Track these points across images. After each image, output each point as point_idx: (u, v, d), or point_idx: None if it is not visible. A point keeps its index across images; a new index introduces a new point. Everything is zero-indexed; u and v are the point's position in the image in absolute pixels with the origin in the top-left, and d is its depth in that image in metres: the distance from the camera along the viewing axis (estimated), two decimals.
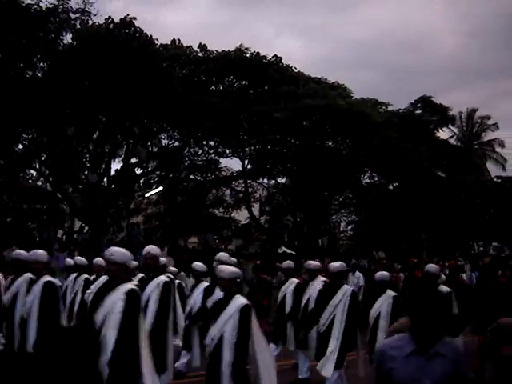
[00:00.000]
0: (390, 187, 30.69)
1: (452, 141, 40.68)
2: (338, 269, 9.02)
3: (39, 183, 28.92)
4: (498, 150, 46.25)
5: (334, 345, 8.35)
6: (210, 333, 6.47)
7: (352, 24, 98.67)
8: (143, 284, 7.29)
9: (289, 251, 26.28)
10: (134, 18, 20.77)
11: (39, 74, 21.56)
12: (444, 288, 8.79)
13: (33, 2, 19.53)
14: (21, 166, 24.53)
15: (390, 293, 8.56)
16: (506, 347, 5.15)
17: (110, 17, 20.90)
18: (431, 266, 9.68)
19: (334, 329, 8.46)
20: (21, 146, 24.35)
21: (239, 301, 6.52)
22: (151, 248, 7.93)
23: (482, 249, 38.11)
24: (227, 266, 6.99)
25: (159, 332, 7.02)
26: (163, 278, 7.49)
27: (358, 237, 32.27)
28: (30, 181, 28.56)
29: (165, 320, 7.21)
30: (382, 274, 9.06)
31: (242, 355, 6.30)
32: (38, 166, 25.56)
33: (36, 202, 25.45)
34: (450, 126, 37.10)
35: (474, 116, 47.06)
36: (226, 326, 6.33)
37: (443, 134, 35.15)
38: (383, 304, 8.37)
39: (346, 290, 8.78)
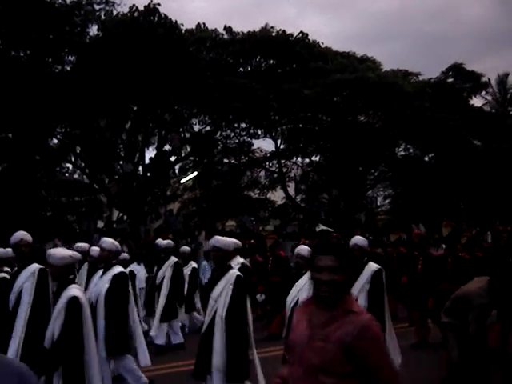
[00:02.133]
0: (426, 159, 30.32)
1: (486, 108, 39.96)
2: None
3: (76, 176, 29.29)
4: None
5: None
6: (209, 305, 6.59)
7: None
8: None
9: (328, 229, 26.19)
10: (158, 4, 20.78)
11: (68, 68, 21.78)
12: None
13: None
14: (56, 160, 24.86)
15: (372, 267, 7.54)
16: None
17: (134, 5, 20.97)
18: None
19: None
20: (55, 141, 24.74)
21: (234, 272, 6.62)
22: (23, 234, 7.25)
23: None
24: (223, 238, 6.92)
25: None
26: (37, 266, 6.95)
27: (396, 211, 31.97)
28: (67, 174, 28.93)
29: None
30: (357, 238, 7.92)
31: (235, 311, 6.40)
32: (73, 159, 25.92)
33: (74, 195, 25.78)
34: (483, 92, 36.48)
35: (506, 81, 46.16)
36: (219, 297, 6.45)
37: (477, 101, 34.60)
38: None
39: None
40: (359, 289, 7.18)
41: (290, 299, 6.54)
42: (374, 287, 7.24)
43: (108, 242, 7.97)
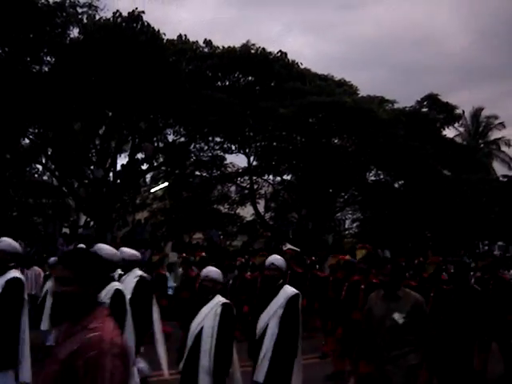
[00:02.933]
0: (396, 185, 30.63)
1: (458, 139, 40.56)
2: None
3: (45, 177, 29.01)
4: (504, 149, 46.21)
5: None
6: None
7: (360, 22, 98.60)
8: None
9: (294, 248, 26.24)
10: (143, 12, 20.78)
11: (46, 69, 21.63)
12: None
13: None
14: (27, 160, 24.61)
15: (287, 291, 6.74)
16: None
17: (117, 10, 20.94)
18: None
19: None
20: (27, 141, 24.47)
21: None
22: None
23: (487, 248, 38.06)
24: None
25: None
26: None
27: (363, 234, 32.19)
28: (36, 175, 28.65)
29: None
30: (274, 257, 7.07)
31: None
32: (44, 161, 25.68)
33: (42, 197, 25.53)
34: (456, 124, 37.04)
35: (480, 115, 47.03)
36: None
37: (449, 132, 35.08)
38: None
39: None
40: (272, 313, 6.62)
41: (195, 327, 6.08)
42: (288, 313, 6.58)
43: (5, 241, 6.76)
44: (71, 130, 23.47)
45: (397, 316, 5.75)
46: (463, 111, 35.92)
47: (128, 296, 6.91)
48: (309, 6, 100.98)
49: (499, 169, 44.37)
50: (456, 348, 7.38)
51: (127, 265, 7.72)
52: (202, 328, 6.04)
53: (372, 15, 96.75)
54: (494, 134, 46.86)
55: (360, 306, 9.09)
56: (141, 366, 7.73)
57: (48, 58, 21.53)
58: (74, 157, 23.57)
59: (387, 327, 5.81)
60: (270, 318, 6.63)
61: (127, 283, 7.41)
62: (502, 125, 46.13)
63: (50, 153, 24.83)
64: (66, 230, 25.40)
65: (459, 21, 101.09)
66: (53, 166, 25.51)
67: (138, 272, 7.81)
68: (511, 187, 33.00)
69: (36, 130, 23.70)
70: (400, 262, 6.20)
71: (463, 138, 44.29)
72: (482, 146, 45.19)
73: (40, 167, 27.24)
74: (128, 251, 7.98)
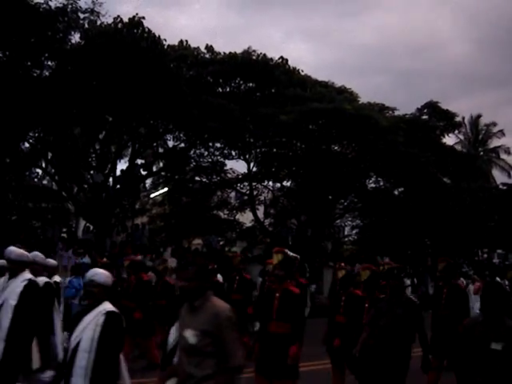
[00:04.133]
0: (396, 192, 30.65)
1: (458, 147, 40.62)
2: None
3: (45, 182, 28.97)
4: (503, 156, 46.39)
5: None
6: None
7: (360, 29, 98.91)
8: None
9: (293, 255, 26.19)
10: (143, 18, 20.78)
11: (47, 73, 21.58)
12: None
13: (42, 1, 19.57)
14: (27, 164, 24.56)
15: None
16: None
17: (118, 16, 20.94)
18: None
19: None
20: (27, 145, 24.42)
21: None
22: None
23: (486, 256, 38.03)
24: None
25: None
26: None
27: (363, 241, 32.18)
28: (36, 179, 28.60)
29: None
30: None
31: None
32: (44, 165, 25.65)
33: (41, 201, 25.45)
34: (456, 132, 37.08)
35: (479, 122, 47.12)
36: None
37: (449, 139, 35.12)
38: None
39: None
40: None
41: (72, 340, 5.31)
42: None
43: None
44: (71, 134, 23.45)
45: (188, 333, 4.57)
46: (463, 119, 36.03)
47: (13, 302, 6.52)
48: (310, 13, 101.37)
49: (499, 176, 44.50)
50: (384, 366, 7.14)
51: (14, 267, 6.94)
52: (79, 341, 5.21)
53: (373, 23, 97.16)
54: (494, 142, 47.04)
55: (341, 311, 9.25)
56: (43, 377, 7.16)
57: (49, 63, 21.48)
58: (74, 161, 23.56)
59: (181, 346, 4.77)
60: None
61: (13, 288, 6.78)
62: (502, 132, 46.32)
63: (49, 157, 24.81)
64: (64, 235, 25.38)
65: (459, 29, 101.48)
66: (52, 171, 25.48)
67: (26, 275, 6.96)
68: (511, 195, 33.03)
69: (36, 134, 23.66)
70: (205, 265, 4.92)
71: (463, 146, 44.39)
72: (481, 153, 45.30)
73: (40, 171, 27.20)
74: (15, 251, 7.10)
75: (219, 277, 15.26)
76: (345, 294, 9.41)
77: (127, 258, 14.95)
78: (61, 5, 19.95)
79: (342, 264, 12.31)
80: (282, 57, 26.31)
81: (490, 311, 5.57)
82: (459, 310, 9.58)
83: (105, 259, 16.20)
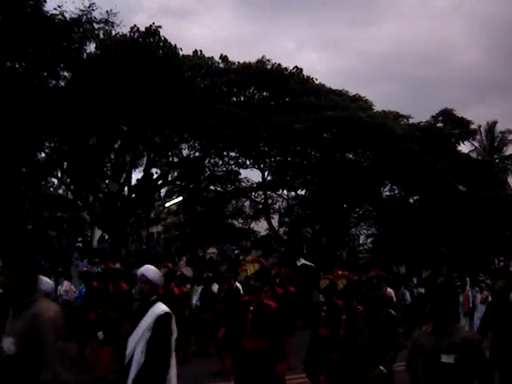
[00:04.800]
0: (411, 200, 30.50)
1: (473, 154, 40.42)
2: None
3: (60, 191, 29.14)
4: None
5: None
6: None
7: (373, 38, 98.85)
8: None
9: (308, 263, 26.16)
10: (160, 27, 20.90)
11: (62, 84, 21.73)
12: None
13: (57, 12, 19.72)
14: (43, 174, 24.73)
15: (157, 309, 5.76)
16: None
17: (135, 25, 21.08)
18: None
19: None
20: (43, 155, 24.59)
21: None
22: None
23: (502, 264, 37.72)
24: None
25: None
26: None
27: (378, 250, 32.04)
28: (52, 189, 28.78)
29: None
30: (146, 268, 6.12)
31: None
32: (59, 175, 25.80)
33: (57, 210, 25.59)
34: (471, 139, 36.90)
35: (494, 130, 46.86)
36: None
37: (464, 147, 34.97)
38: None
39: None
40: (139, 336, 5.65)
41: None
42: (155, 337, 5.63)
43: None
44: (87, 144, 23.58)
45: (6, 342, 3.82)
46: (478, 126, 35.85)
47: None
48: (323, 22, 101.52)
49: None
50: None
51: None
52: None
53: (386, 31, 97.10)
54: (510, 149, 46.66)
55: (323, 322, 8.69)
56: None
57: (65, 73, 21.62)
58: (89, 171, 23.67)
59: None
60: (138, 342, 5.63)
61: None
62: None
63: (65, 167, 24.95)
64: (79, 244, 25.50)
65: (472, 36, 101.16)
66: (68, 180, 25.63)
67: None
68: None
69: (52, 144, 23.81)
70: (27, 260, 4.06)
71: (478, 153, 44.13)
72: (497, 161, 44.99)
73: (55, 181, 27.40)
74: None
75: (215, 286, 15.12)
76: (327, 305, 8.89)
77: (105, 265, 14.56)
78: (76, 16, 20.14)
79: (340, 272, 10.32)
80: (296, 66, 26.41)
81: (438, 319, 5.09)
82: None
83: (118, 264, 15.52)
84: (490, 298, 21.10)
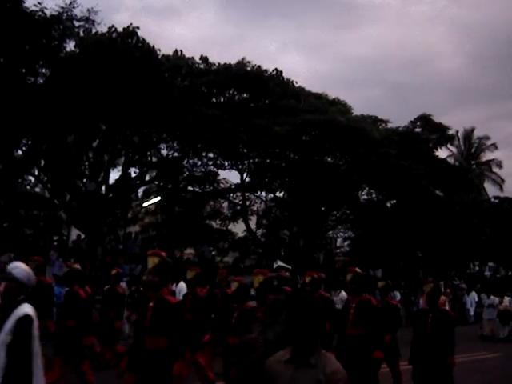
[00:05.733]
0: (388, 204, 30.72)
1: (450, 160, 40.81)
2: None
3: (37, 189, 28.90)
4: (495, 170, 46.62)
5: None
6: None
7: (355, 42, 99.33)
8: None
9: (285, 265, 26.24)
10: (138, 28, 20.82)
11: (41, 81, 21.58)
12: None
13: (37, 9, 19.58)
14: (19, 171, 24.51)
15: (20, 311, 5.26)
16: None
17: (113, 25, 20.96)
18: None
19: None
20: (20, 152, 24.38)
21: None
22: None
23: (477, 268, 38.12)
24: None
25: None
26: None
27: (355, 253, 32.21)
28: (28, 187, 28.54)
29: None
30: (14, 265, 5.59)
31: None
32: (36, 173, 25.57)
33: (33, 208, 25.40)
34: (448, 145, 37.25)
35: (472, 136, 47.36)
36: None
37: (442, 152, 35.29)
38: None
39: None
40: (2, 339, 5.18)
41: None
42: (16, 341, 5.19)
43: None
44: (64, 142, 23.41)
45: None
46: (456, 132, 36.21)
47: None
48: (305, 25, 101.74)
49: (491, 190, 44.70)
50: None
51: None
52: None
53: (367, 36, 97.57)
54: (486, 155, 47.24)
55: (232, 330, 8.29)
56: None
57: (43, 71, 21.49)
58: (67, 169, 23.49)
59: None
60: (1, 345, 5.17)
61: None
62: (494, 146, 46.58)
63: (42, 165, 24.75)
64: (55, 243, 25.30)
65: (453, 42, 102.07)
66: (45, 178, 25.41)
67: None
68: (502, 208, 33.18)
69: (29, 142, 23.61)
70: None
71: (455, 159, 44.57)
72: (473, 166, 45.48)
73: (32, 179, 27.14)
74: None
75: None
76: (237, 310, 8.41)
77: (65, 264, 13.94)
78: (56, 13, 19.99)
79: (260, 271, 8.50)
80: (276, 69, 26.41)
81: (298, 344, 3.73)
82: (371, 329, 8.48)
83: (77, 265, 14.69)
84: (447, 304, 21.27)
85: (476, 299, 27.73)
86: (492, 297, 23.29)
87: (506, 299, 22.21)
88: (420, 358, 8.27)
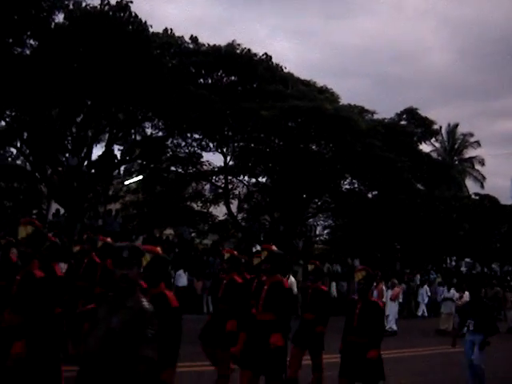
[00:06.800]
0: (369, 195, 30.83)
1: (434, 155, 41.02)
2: None
3: (19, 162, 28.62)
4: (477, 167, 47.02)
5: None
6: None
7: (345, 32, 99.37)
8: None
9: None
10: (131, 2, 20.56)
11: (28, 52, 21.32)
12: None
13: None
14: (1, 143, 24.26)
15: None
16: None
17: None
18: None
19: None
20: (3, 123, 24.11)
21: None
22: None
23: (454, 264, 38.51)
24: None
25: None
26: None
27: (334, 242, 32.37)
28: (10, 159, 28.26)
29: None
30: None
31: None
32: (18, 145, 25.30)
33: (14, 181, 25.16)
34: (432, 139, 37.43)
35: (456, 132, 47.67)
36: None
37: (426, 147, 35.45)
38: None
39: None
40: None
41: None
42: None
43: None
44: (49, 115, 23.17)
45: None
46: (440, 127, 36.38)
47: None
48: (296, 12, 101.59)
49: (472, 186, 45.10)
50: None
51: None
52: None
53: (358, 26, 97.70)
54: (469, 152, 47.64)
55: None
56: None
57: (31, 42, 21.24)
58: (50, 143, 23.26)
59: None
60: None
61: None
62: (478, 143, 46.95)
63: (25, 137, 24.49)
64: (34, 217, 25.11)
65: (443, 38, 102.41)
66: (27, 151, 25.17)
67: None
68: (482, 206, 33.49)
69: (13, 113, 23.37)
70: None
71: (439, 154, 44.84)
72: (456, 162, 45.80)
73: (14, 151, 26.91)
74: None
75: None
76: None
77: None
78: None
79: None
80: (266, 53, 26.27)
81: (116, 291, 4.25)
82: (321, 313, 9.25)
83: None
84: (400, 296, 20.98)
85: (428, 293, 27.54)
86: (452, 290, 22.90)
87: (467, 294, 21.19)
88: (346, 352, 7.67)
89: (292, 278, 16.77)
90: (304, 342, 9.27)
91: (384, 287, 20.01)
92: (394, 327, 20.10)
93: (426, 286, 27.89)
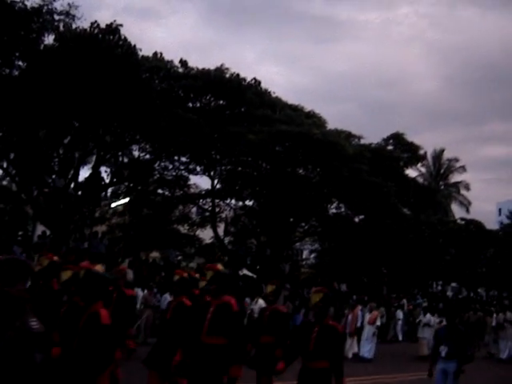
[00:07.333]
0: (356, 219, 30.91)
1: (420, 179, 41.27)
2: None
3: (5, 182, 28.45)
4: (463, 192, 47.28)
5: None
6: None
7: (333, 57, 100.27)
8: None
9: (250, 274, 26.20)
10: (121, 25, 20.66)
11: (16, 73, 21.30)
12: None
13: (17, 0, 19.36)
14: None
15: None
16: None
17: (96, 21, 20.79)
18: None
19: None
20: None
21: None
22: None
23: (440, 288, 38.55)
24: None
25: None
26: None
27: (320, 266, 32.34)
28: None
29: None
30: None
31: None
32: (5, 165, 25.18)
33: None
34: (419, 164, 37.66)
35: (441, 157, 48.00)
36: None
37: (412, 171, 35.68)
38: None
39: None
40: None
41: None
42: None
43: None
44: (36, 136, 23.10)
45: None
46: (425, 152, 36.63)
47: None
48: (285, 37, 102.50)
49: (457, 211, 45.30)
50: None
51: None
52: None
53: (345, 51, 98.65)
54: (455, 177, 47.92)
55: None
56: None
57: (20, 63, 21.22)
58: (36, 164, 23.17)
59: None
60: None
61: None
62: (463, 168, 47.24)
63: (12, 158, 24.38)
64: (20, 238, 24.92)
65: (430, 66, 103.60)
66: (14, 172, 25.04)
67: None
68: (468, 230, 33.62)
69: (0, 134, 23.28)
70: None
71: (425, 179, 45.09)
72: (442, 187, 46.05)
73: (0, 171, 26.73)
74: None
75: None
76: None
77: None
78: (36, 5, 19.78)
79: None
80: (255, 78, 26.45)
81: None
82: (280, 336, 8.45)
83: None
84: (378, 320, 20.51)
85: (401, 317, 26.82)
86: (428, 315, 22.42)
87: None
88: (302, 379, 6.95)
89: (261, 301, 16.22)
90: (262, 366, 8.54)
91: (360, 312, 19.53)
92: (366, 354, 18.86)
93: (399, 311, 27.17)
